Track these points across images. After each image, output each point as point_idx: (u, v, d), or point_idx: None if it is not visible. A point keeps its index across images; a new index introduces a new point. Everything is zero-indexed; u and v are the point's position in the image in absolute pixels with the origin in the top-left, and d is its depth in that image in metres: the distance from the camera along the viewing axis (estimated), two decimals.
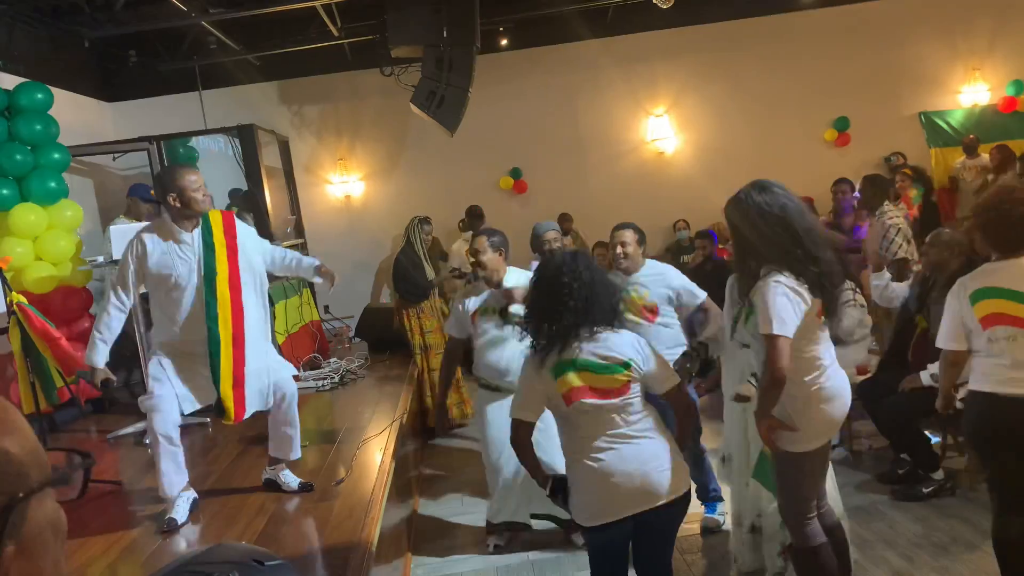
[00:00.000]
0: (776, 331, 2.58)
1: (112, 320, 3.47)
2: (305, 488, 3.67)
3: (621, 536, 2.60)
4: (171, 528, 3.35)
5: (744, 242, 2.80)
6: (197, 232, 3.48)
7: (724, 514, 4.10)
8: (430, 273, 6.54)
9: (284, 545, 3.09)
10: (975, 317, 2.93)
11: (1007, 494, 2.89)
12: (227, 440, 4.77)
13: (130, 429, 5.05)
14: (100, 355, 3.46)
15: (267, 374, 3.57)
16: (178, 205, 3.40)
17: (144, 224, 3.50)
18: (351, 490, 3.61)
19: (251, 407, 3.54)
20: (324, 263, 3.82)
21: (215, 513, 3.56)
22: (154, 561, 3.10)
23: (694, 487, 4.12)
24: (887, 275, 4.81)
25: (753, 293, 2.72)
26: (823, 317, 2.74)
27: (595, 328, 2.54)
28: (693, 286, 4.02)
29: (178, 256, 3.43)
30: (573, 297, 2.52)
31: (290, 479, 3.72)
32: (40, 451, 0.72)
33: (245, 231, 3.65)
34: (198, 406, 3.55)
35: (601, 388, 2.52)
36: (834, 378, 2.79)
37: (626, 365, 2.54)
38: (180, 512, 3.42)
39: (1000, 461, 2.90)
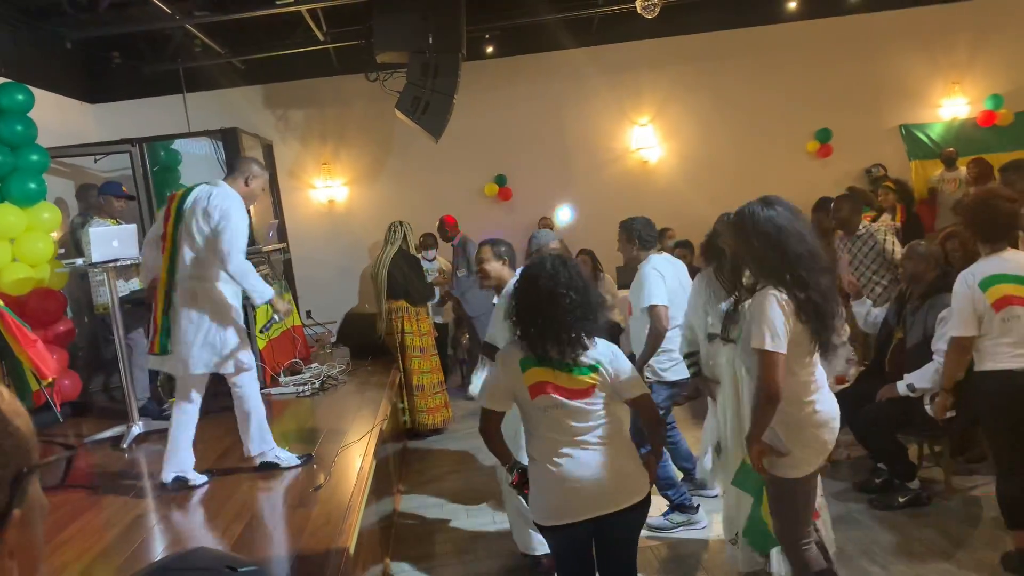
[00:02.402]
0: (768, 346, 2.55)
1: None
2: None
3: (580, 538, 2.63)
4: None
5: (740, 255, 2.80)
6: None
7: (680, 526, 4.22)
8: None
9: (260, 551, 3.07)
10: (987, 301, 3.36)
11: (1013, 458, 3.37)
12: (206, 445, 4.74)
13: (107, 433, 5.00)
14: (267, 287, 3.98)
15: None
16: (245, 188, 3.96)
17: (228, 191, 3.93)
18: (329, 496, 3.59)
19: None
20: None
21: (192, 519, 3.54)
22: (129, 566, 3.06)
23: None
24: (868, 302, 4.86)
25: (749, 306, 2.70)
26: (813, 342, 2.68)
27: (572, 333, 2.56)
28: (644, 292, 4.18)
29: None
30: (555, 304, 2.54)
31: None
32: (34, 436, 0.82)
33: None
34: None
35: (566, 387, 2.56)
36: (826, 401, 2.75)
37: (593, 368, 2.58)
38: (289, 457, 4.09)
39: (1008, 430, 3.35)
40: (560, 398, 2.55)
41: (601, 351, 2.63)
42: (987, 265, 3.41)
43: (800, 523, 2.84)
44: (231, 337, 3.88)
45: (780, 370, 2.56)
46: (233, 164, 4.14)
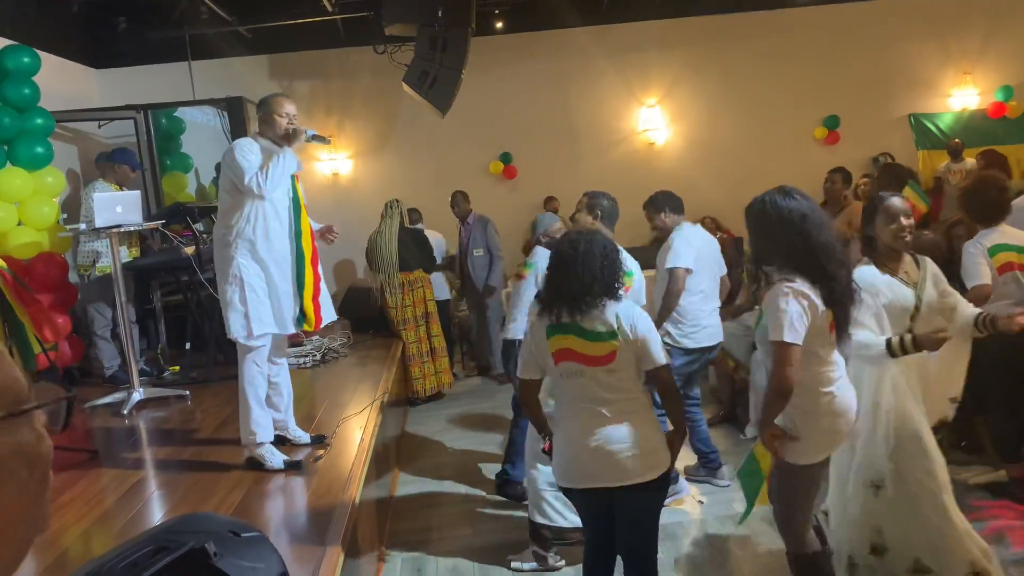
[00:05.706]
0: (787, 339, 2.52)
1: None
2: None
3: (595, 504, 2.72)
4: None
5: (760, 248, 2.75)
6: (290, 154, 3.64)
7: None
8: None
9: (261, 518, 3.09)
10: (994, 266, 3.80)
11: (1010, 403, 3.97)
12: (206, 413, 4.76)
13: (108, 399, 5.02)
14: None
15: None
16: (271, 131, 3.66)
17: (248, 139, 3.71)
18: (330, 466, 3.61)
19: (326, 318, 3.88)
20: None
21: (191, 486, 3.55)
22: (129, 530, 3.09)
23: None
24: None
25: (764, 299, 2.67)
26: (834, 331, 2.66)
27: (592, 298, 2.63)
28: (670, 255, 4.26)
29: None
30: (568, 269, 2.65)
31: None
32: (15, 382, 0.72)
33: None
34: (277, 330, 3.71)
35: (587, 353, 2.62)
36: (843, 393, 2.72)
37: (613, 334, 2.62)
38: (276, 459, 3.65)
39: (1007, 380, 3.90)
40: (580, 365, 2.63)
41: (623, 313, 2.65)
42: (991, 235, 3.85)
43: (798, 509, 2.83)
44: (227, 298, 3.62)
45: (795, 364, 2.53)
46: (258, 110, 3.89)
